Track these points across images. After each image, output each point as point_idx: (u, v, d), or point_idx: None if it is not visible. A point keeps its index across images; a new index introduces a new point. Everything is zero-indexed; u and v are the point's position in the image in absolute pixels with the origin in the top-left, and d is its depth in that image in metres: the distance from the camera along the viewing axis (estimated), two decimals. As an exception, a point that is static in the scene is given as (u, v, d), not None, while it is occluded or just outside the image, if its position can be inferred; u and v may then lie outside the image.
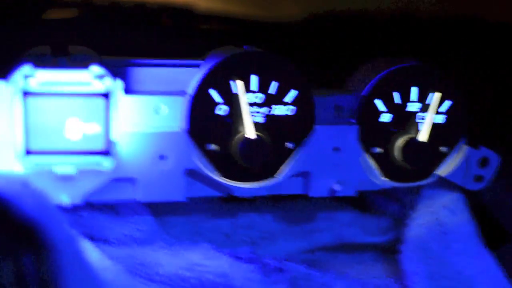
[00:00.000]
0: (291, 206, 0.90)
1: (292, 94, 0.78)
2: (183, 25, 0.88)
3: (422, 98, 0.84)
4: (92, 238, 0.78)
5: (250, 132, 0.77)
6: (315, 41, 0.92)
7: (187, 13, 0.87)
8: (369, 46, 0.92)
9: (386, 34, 0.93)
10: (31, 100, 0.70)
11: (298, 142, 0.80)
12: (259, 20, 0.88)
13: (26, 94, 0.69)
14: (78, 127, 0.71)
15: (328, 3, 0.89)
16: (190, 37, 0.87)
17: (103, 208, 0.79)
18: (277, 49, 0.81)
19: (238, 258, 0.79)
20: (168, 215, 0.84)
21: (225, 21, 0.88)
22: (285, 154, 0.80)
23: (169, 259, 0.77)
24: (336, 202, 0.92)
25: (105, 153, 0.73)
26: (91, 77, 0.70)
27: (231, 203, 0.85)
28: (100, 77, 0.70)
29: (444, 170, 0.87)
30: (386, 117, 0.83)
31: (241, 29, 0.88)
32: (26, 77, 0.68)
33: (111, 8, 0.83)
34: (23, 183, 0.66)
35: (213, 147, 0.77)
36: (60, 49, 0.74)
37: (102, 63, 0.71)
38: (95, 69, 0.69)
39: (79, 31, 0.85)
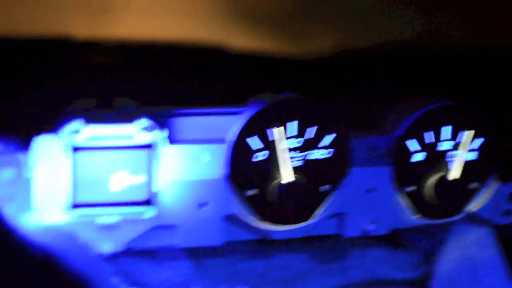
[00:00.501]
0: (325, 245, 0.91)
1: (329, 138, 0.80)
2: (217, 65, 0.89)
3: (454, 136, 0.86)
4: (133, 284, 0.80)
5: (287, 177, 0.78)
6: (347, 80, 0.93)
7: (220, 52, 0.88)
8: (400, 86, 0.94)
9: (418, 70, 0.94)
10: (79, 155, 0.71)
11: (334, 184, 0.81)
12: (291, 57, 0.89)
13: (75, 149, 0.70)
14: (123, 179, 0.72)
15: (361, 40, 0.90)
16: (224, 79, 0.88)
17: (143, 255, 0.80)
18: (311, 88, 0.82)
19: None
20: (205, 257, 0.85)
21: (258, 61, 0.89)
22: (321, 197, 0.81)
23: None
24: (369, 239, 0.93)
25: (148, 202, 0.74)
26: (136, 130, 0.71)
27: (266, 244, 0.86)
28: (145, 129, 0.71)
29: (474, 205, 0.89)
30: (418, 157, 0.85)
31: (274, 69, 0.90)
32: (75, 132, 0.69)
33: (146, 51, 0.84)
34: (69, 235, 0.67)
35: (252, 192, 0.78)
36: (105, 101, 0.75)
37: (146, 115, 0.72)
38: (141, 122, 0.71)
39: (116, 78, 0.86)
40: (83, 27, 0.84)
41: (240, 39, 0.89)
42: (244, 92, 0.81)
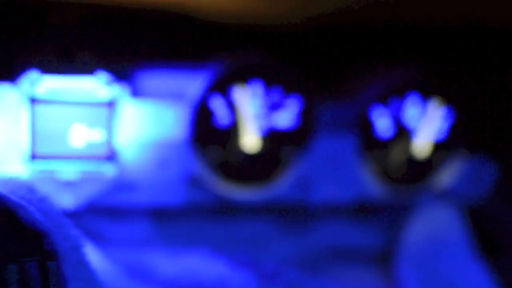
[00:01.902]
0: (289, 211, 0.93)
1: (294, 103, 0.81)
2: (187, 27, 0.90)
3: (424, 109, 0.87)
4: (94, 240, 0.81)
5: (251, 140, 0.80)
6: (316, 47, 0.95)
7: (190, 12, 0.89)
8: (370, 54, 0.95)
9: (387, 41, 0.96)
10: (38, 106, 0.72)
11: (299, 150, 0.83)
12: (264, 21, 0.91)
13: (33, 100, 0.72)
14: (83, 134, 0.74)
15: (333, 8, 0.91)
16: (194, 41, 0.90)
17: (105, 212, 0.82)
18: (280, 54, 0.83)
19: (236, 262, 0.82)
20: (168, 217, 0.87)
21: (227, 27, 0.90)
22: (284, 161, 0.83)
23: (168, 263, 0.80)
24: (334, 209, 0.95)
25: (108, 159, 0.75)
26: (97, 84, 0.72)
27: (228, 206, 0.88)
28: (106, 83, 0.73)
29: (442, 181, 0.90)
30: (386, 127, 0.86)
31: (244, 30, 0.91)
32: (33, 83, 0.71)
33: (115, 12, 0.85)
34: (29, 188, 0.69)
35: (214, 154, 0.80)
36: (66, 54, 0.76)
37: (107, 69, 0.74)
38: (101, 76, 0.72)
39: (83, 36, 0.87)
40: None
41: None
42: (211, 52, 0.82)
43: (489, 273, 0.88)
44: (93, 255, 0.74)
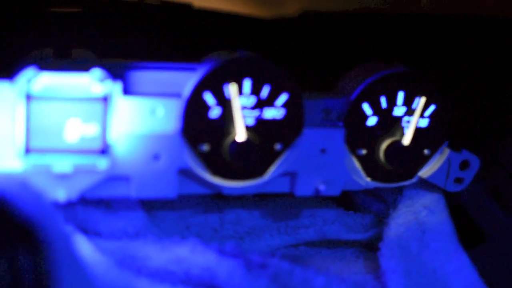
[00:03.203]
0: (277, 203, 0.96)
1: (282, 98, 0.84)
2: (180, 23, 0.92)
3: (407, 102, 0.90)
4: (86, 232, 0.84)
5: (240, 134, 0.82)
6: (306, 42, 0.97)
7: (185, 9, 0.91)
8: (358, 49, 0.98)
9: (374, 37, 0.98)
10: (33, 103, 0.75)
11: (287, 143, 0.86)
12: (252, 18, 0.93)
13: (29, 97, 0.74)
14: (77, 128, 0.76)
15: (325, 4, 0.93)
16: (187, 37, 0.92)
17: (97, 204, 0.85)
18: (269, 48, 0.86)
19: (224, 253, 0.85)
20: (159, 210, 0.90)
21: (220, 19, 0.93)
22: (274, 155, 0.86)
23: (158, 253, 0.82)
24: (321, 199, 0.98)
25: (102, 152, 0.78)
26: (91, 80, 0.75)
27: (219, 199, 0.91)
28: (100, 80, 0.75)
29: (426, 171, 0.93)
30: (372, 121, 0.89)
31: (235, 28, 0.93)
32: (30, 80, 0.73)
33: (111, 5, 0.87)
34: (22, 183, 0.71)
35: (205, 148, 0.83)
36: (62, 51, 0.79)
37: (102, 66, 0.76)
38: (96, 72, 0.75)
39: (80, 30, 0.89)
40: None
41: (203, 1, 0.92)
42: (203, 48, 0.85)
43: (471, 260, 0.91)
44: (85, 246, 0.77)
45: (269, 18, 0.92)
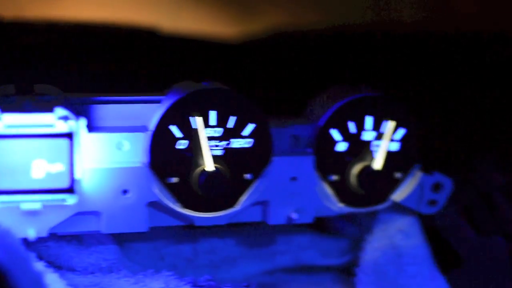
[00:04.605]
0: (251, 230, 0.97)
1: (249, 128, 0.85)
2: (146, 50, 0.93)
3: (376, 126, 0.91)
4: (59, 268, 0.85)
5: (209, 165, 0.84)
6: (275, 65, 0.98)
7: (150, 35, 0.93)
8: (327, 72, 0.99)
9: (341, 61, 0.99)
10: (-3, 142, 0.76)
11: (256, 173, 0.87)
12: (220, 43, 0.95)
13: (-8, 136, 0.75)
14: (43, 167, 0.77)
15: (295, 25, 0.94)
16: (152, 64, 0.93)
17: (69, 239, 0.86)
18: (237, 73, 0.87)
19: (198, 286, 0.86)
20: (131, 242, 0.91)
21: (187, 45, 0.94)
22: (244, 185, 0.87)
23: None
24: (295, 225, 0.99)
25: (69, 190, 0.79)
26: (55, 119, 0.76)
27: (191, 229, 0.92)
28: (64, 118, 0.76)
29: (399, 195, 0.94)
30: (341, 146, 0.91)
31: (202, 54, 0.95)
32: (-9, 120, 0.74)
33: (72, 32, 0.88)
34: None
35: (174, 180, 0.84)
36: (25, 88, 0.80)
37: (65, 103, 0.77)
38: (59, 111, 0.76)
39: (42, 63, 0.90)
40: (8, 8, 0.88)
41: (172, 20, 0.93)
42: (169, 77, 0.86)
43: (447, 284, 0.92)
44: (57, 285, 0.78)
45: (237, 42, 0.93)
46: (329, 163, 0.90)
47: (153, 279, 0.85)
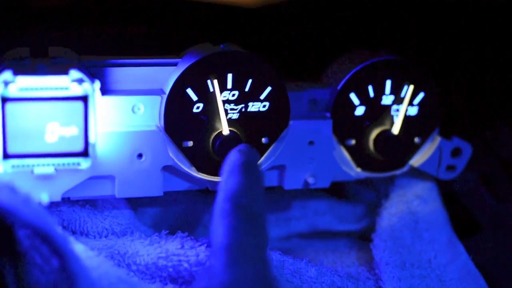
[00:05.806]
0: (267, 195, 0.96)
1: (266, 91, 0.84)
2: (163, 14, 0.92)
3: (395, 91, 0.90)
4: (73, 232, 0.85)
5: (225, 129, 0.83)
6: (293, 30, 0.97)
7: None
8: (345, 37, 0.97)
9: (360, 25, 0.98)
10: (10, 106, 0.75)
11: (273, 137, 0.86)
12: (237, 7, 0.93)
13: (5, 100, 0.74)
14: (57, 130, 0.77)
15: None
16: (169, 28, 0.92)
17: (83, 204, 0.85)
18: (255, 38, 0.85)
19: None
20: (147, 207, 0.90)
21: (204, 9, 0.92)
22: (261, 149, 0.86)
23: (147, 249, 0.83)
24: (311, 190, 0.98)
25: (83, 153, 0.78)
26: (70, 82, 0.75)
27: (208, 195, 0.91)
28: (78, 81, 0.75)
29: (417, 160, 0.93)
30: (360, 110, 0.89)
31: (220, 19, 0.93)
32: (6, 83, 0.73)
33: (85, 9, 0.87)
34: (11, 189, 0.70)
35: (189, 143, 0.83)
36: (39, 51, 0.79)
37: (80, 66, 0.76)
38: (74, 74, 0.74)
39: (57, 26, 0.89)
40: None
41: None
42: (187, 41, 0.85)
43: (465, 249, 0.91)
44: (75, 247, 0.77)
45: (255, 6, 0.91)
46: (347, 128, 0.89)
47: (168, 240, 0.84)
